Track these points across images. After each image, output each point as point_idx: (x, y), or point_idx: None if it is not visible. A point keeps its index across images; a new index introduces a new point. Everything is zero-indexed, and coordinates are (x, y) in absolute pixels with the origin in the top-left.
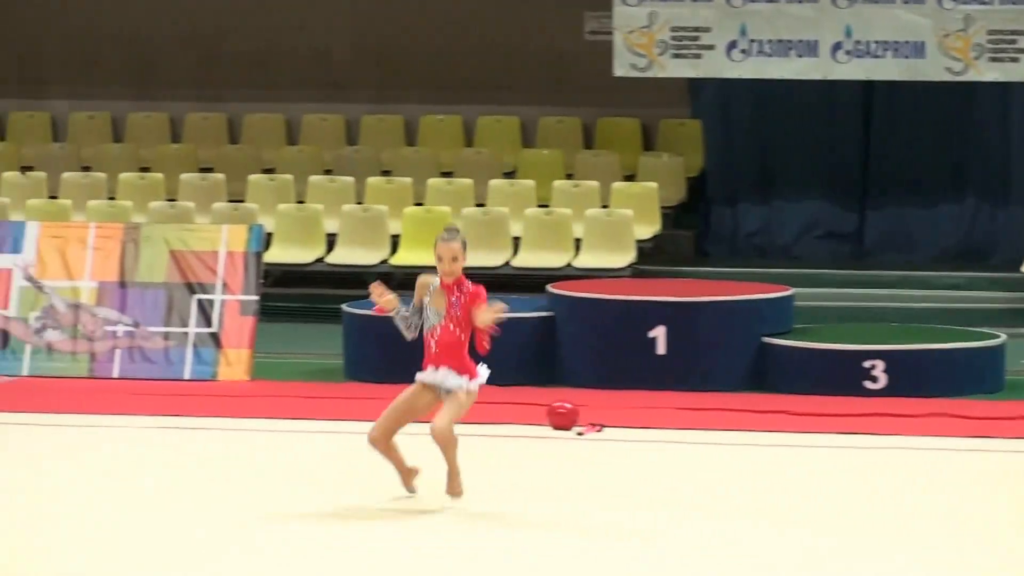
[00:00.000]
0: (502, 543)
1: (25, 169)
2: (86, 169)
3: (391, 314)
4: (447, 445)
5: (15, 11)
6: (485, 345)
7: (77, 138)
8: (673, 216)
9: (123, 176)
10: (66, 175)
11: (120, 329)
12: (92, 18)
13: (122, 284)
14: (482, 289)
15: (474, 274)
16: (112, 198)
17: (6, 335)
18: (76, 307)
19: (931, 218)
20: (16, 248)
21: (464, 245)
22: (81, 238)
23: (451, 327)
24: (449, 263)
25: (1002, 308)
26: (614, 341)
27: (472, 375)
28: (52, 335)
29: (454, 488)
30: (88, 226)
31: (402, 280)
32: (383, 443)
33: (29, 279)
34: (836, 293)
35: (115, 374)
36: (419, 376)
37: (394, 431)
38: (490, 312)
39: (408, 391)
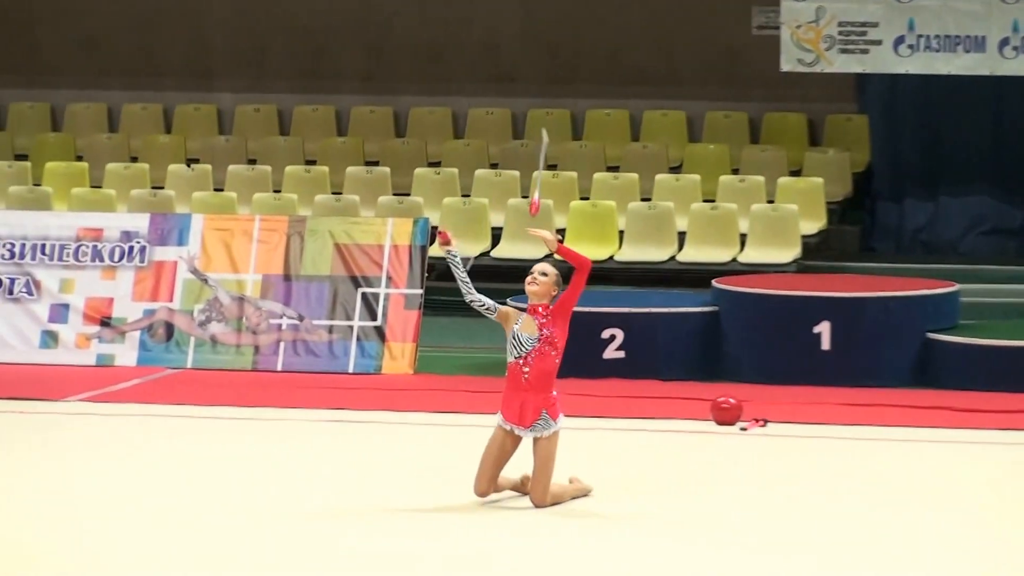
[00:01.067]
0: (667, 542)
1: (191, 162)
2: (252, 162)
3: (450, 254)
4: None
5: (184, 3)
6: (584, 262)
7: (243, 131)
8: (839, 211)
9: (289, 169)
10: (232, 168)
11: (284, 322)
12: (260, 10)
13: (287, 277)
14: (560, 296)
15: (638, 269)
16: (278, 191)
17: (171, 328)
18: (240, 300)
19: None
20: (181, 240)
21: (558, 280)
22: (246, 231)
23: (546, 350)
24: (539, 276)
25: None
26: (778, 336)
27: (558, 411)
28: (216, 328)
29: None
30: (253, 219)
31: (565, 275)
32: (492, 489)
33: (194, 271)
34: (1002, 289)
35: (279, 367)
36: (502, 423)
37: (496, 477)
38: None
39: (495, 441)
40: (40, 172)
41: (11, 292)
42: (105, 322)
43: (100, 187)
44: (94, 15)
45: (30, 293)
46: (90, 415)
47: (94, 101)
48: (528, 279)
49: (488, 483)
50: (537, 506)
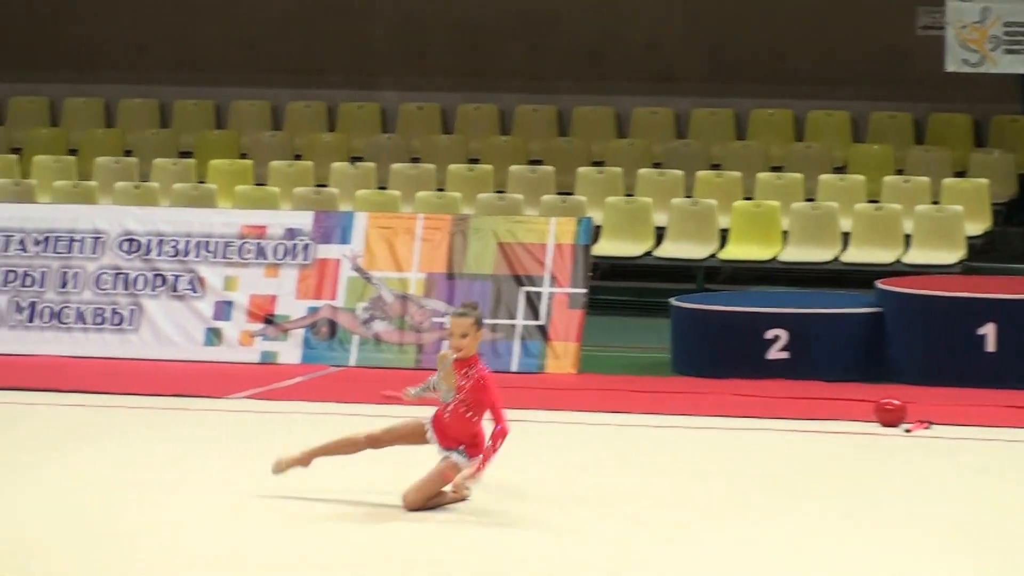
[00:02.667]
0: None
1: (355, 160)
2: (415, 160)
3: (409, 398)
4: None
5: (347, 1)
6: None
7: (406, 129)
8: (1004, 213)
9: (452, 167)
10: (395, 166)
11: (447, 321)
12: (422, 8)
13: (450, 275)
14: (490, 381)
15: (802, 270)
16: (441, 189)
17: (334, 325)
18: (404, 298)
19: None
20: (345, 238)
21: (478, 323)
22: (409, 229)
23: (461, 410)
24: (458, 339)
25: None
26: (943, 338)
27: (474, 453)
28: (380, 326)
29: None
30: (416, 217)
31: (730, 275)
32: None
33: (357, 269)
34: None
35: None
36: (426, 421)
37: (382, 444)
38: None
39: (409, 423)
40: (204, 169)
41: (175, 289)
42: (269, 320)
43: (264, 184)
44: (255, 14)
45: (194, 290)
46: (253, 412)
47: (258, 99)
48: (458, 334)
49: (369, 445)
50: (408, 508)
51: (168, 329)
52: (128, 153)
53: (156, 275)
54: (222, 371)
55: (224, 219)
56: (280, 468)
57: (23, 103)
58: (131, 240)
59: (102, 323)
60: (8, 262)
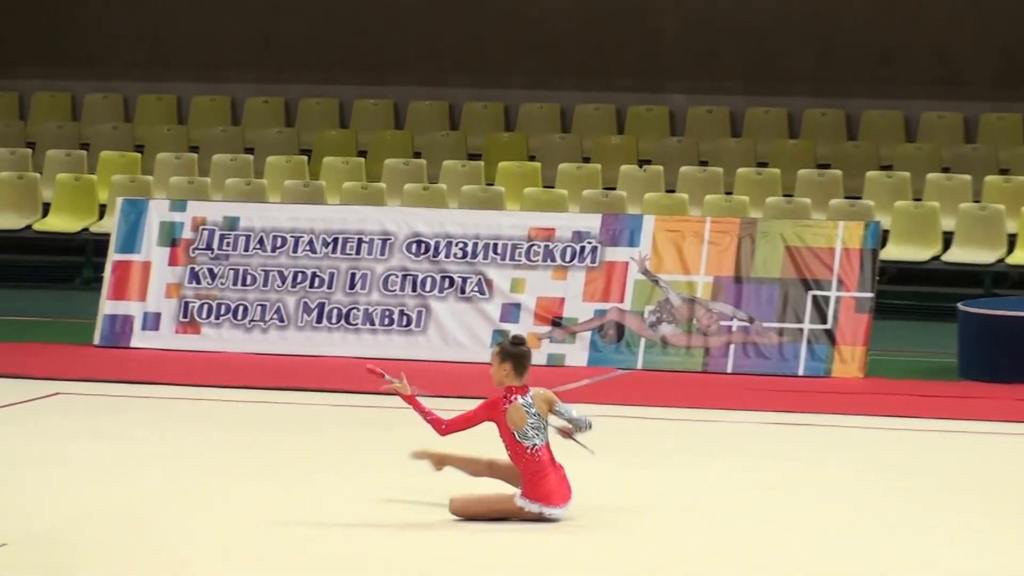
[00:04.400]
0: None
1: (643, 163)
2: (703, 164)
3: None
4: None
5: (638, 5)
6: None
7: (695, 132)
8: None
9: (740, 171)
10: (684, 169)
11: (735, 324)
12: (711, 11)
13: (737, 279)
14: (489, 401)
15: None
16: (729, 193)
17: (621, 328)
18: (691, 301)
19: None
20: (633, 241)
21: (498, 354)
22: (697, 232)
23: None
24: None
25: None
26: None
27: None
28: (667, 329)
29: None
30: (704, 220)
31: (1018, 280)
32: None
33: (645, 272)
34: None
35: (729, 369)
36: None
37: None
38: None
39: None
40: (493, 171)
41: (463, 291)
42: (556, 322)
43: (552, 187)
44: (545, 16)
45: (482, 292)
46: None
47: (547, 102)
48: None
49: (487, 472)
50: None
51: (455, 331)
52: (417, 155)
53: (444, 277)
54: None
55: (512, 221)
56: (419, 456)
57: (312, 104)
58: (419, 242)
59: (390, 324)
60: (297, 263)
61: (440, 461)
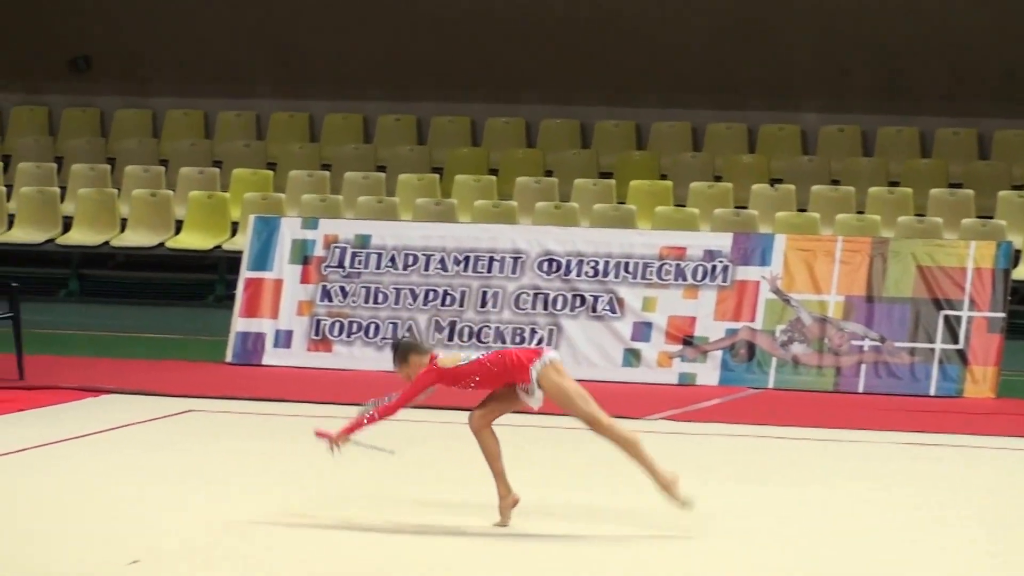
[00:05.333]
0: None
1: (775, 182)
2: (835, 182)
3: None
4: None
5: (768, 23)
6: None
7: (827, 151)
8: None
9: (872, 190)
10: (815, 188)
11: (866, 344)
12: (844, 30)
13: (869, 298)
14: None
15: None
16: (861, 212)
17: (753, 348)
18: (822, 321)
19: None
20: (764, 260)
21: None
22: (828, 251)
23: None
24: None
25: None
26: None
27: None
28: (798, 348)
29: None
30: (835, 239)
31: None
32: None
33: (776, 291)
34: None
35: (860, 389)
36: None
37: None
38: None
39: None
40: (624, 190)
41: (594, 310)
42: (687, 341)
43: (683, 206)
44: (678, 37)
45: (613, 311)
46: (672, 433)
47: (679, 120)
48: None
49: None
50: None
51: (587, 349)
52: (548, 173)
53: (575, 295)
54: (640, 392)
55: (644, 240)
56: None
57: (443, 123)
58: (551, 260)
59: (521, 343)
60: (429, 281)
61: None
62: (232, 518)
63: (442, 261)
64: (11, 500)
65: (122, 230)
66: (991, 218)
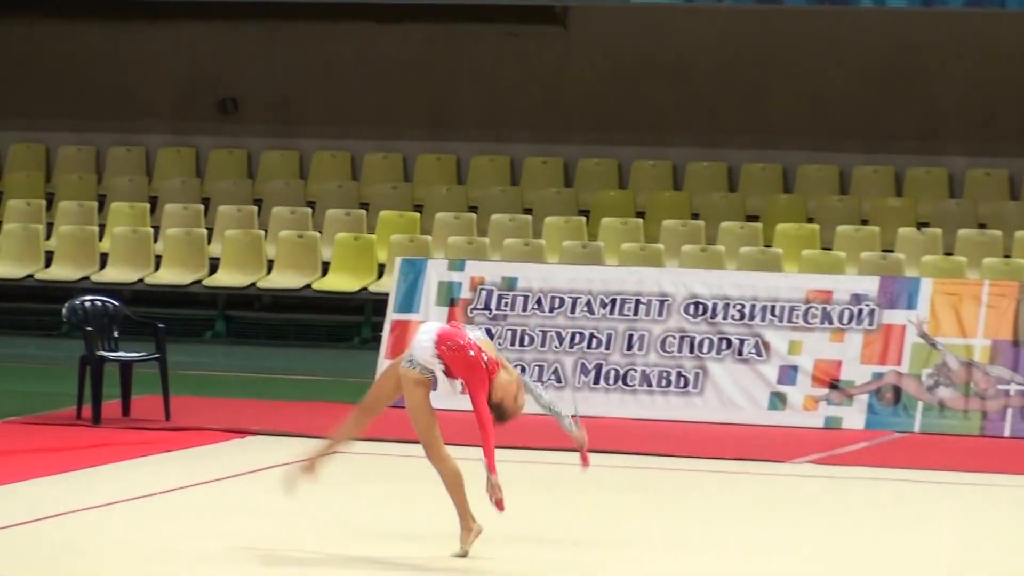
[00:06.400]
0: None
1: (921, 225)
2: (982, 226)
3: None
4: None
5: (915, 67)
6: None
7: (973, 194)
8: None
9: (1019, 234)
10: (962, 232)
11: (1012, 388)
12: (992, 73)
13: (1015, 343)
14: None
15: None
16: (1008, 256)
17: (899, 391)
18: (969, 365)
19: None
20: (911, 304)
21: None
22: (975, 295)
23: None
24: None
25: None
26: None
27: None
28: (944, 392)
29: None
30: (982, 284)
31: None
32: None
33: (923, 335)
34: None
35: (1006, 433)
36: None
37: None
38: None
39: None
40: (771, 233)
41: (740, 353)
42: (833, 384)
43: (830, 249)
44: (823, 78)
45: (759, 354)
46: (817, 477)
47: (825, 163)
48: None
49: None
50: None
51: (733, 392)
52: (695, 216)
53: (721, 338)
54: (786, 435)
55: (790, 283)
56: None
57: (590, 165)
58: (697, 303)
59: (667, 386)
60: (575, 324)
61: (311, 466)
62: (384, 564)
63: (588, 304)
64: (153, 541)
65: (268, 272)
66: None
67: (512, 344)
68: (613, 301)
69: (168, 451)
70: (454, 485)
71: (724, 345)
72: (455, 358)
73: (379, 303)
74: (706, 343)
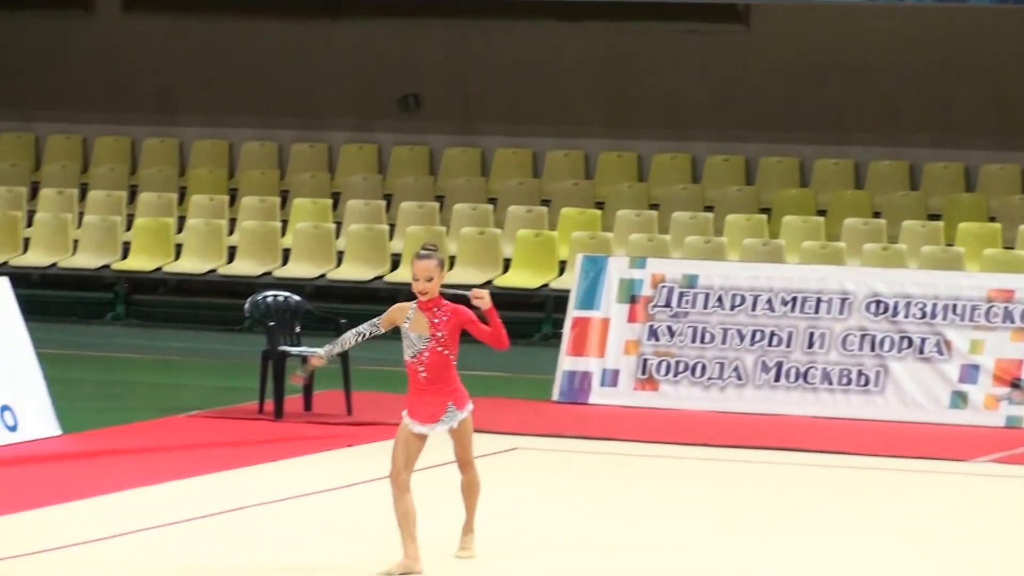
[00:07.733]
0: None
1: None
2: None
3: (321, 362)
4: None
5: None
6: (503, 340)
7: None
8: None
9: None
10: None
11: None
12: None
13: None
14: (463, 309)
15: None
16: None
17: None
18: None
19: None
20: None
21: (441, 264)
22: None
23: (439, 349)
24: (424, 283)
25: None
26: None
27: (465, 398)
28: None
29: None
30: None
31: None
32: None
33: None
34: None
35: None
36: (409, 423)
37: (410, 471)
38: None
39: (401, 441)
40: (953, 232)
41: (922, 351)
42: (1015, 384)
43: (1012, 248)
44: (955, 78)
45: (941, 353)
46: (999, 476)
47: (1009, 163)
48: (423, 278)
49: (406, 474)
50: (474, 485)
51: (914, 391)
52: (877, 214)
53: (902, 337)
54: (966, 434)
55: (972, 282)
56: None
57: (772, 163)
58: (878, 302)
59: (848, 384)
60: (755, 322)
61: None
62: (554, 561)
63: (769, 301)
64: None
65: (451, 267)
66: None
67: (693, 341)
68: (794, 299)
69: (350, 445)
70: (404, 520)
71: (905, 344)
72: (450, 325)
73: (560, 300)
74: (887, 342)
